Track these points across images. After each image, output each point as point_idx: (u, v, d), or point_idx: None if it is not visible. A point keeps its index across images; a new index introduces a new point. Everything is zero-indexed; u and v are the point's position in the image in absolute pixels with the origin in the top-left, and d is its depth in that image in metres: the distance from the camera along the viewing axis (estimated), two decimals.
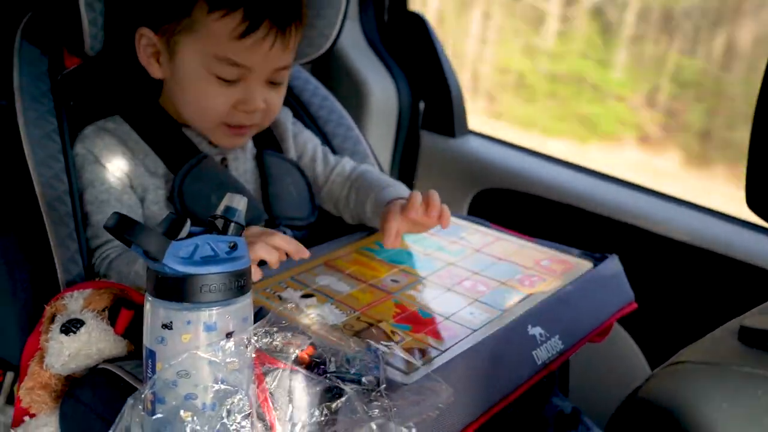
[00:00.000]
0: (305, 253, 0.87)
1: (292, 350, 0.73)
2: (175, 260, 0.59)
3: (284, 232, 1.04)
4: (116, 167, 0.97)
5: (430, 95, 1.56)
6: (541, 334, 0.83)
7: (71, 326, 0.76)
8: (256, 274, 0.87)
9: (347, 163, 1.16)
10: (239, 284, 0.62)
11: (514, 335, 0.82)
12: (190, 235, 0.62)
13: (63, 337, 0.76)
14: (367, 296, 0.91)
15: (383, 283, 0.95)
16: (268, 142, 1.12)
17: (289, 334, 0.75)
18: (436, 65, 1.52)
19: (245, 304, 0.63)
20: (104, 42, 1.00)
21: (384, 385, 0.64)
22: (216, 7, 0.90)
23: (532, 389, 0.80)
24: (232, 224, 0.63)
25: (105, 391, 0.73)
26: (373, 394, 0.62)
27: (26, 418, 0.82)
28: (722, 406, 0.41)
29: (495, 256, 1.03)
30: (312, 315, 0.86)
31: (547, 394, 0.93)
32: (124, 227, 0.58)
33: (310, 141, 1.18)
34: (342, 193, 1.13)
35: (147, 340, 0.62)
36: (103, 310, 0.80)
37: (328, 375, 0.63)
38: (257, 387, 0.66)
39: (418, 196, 0.95)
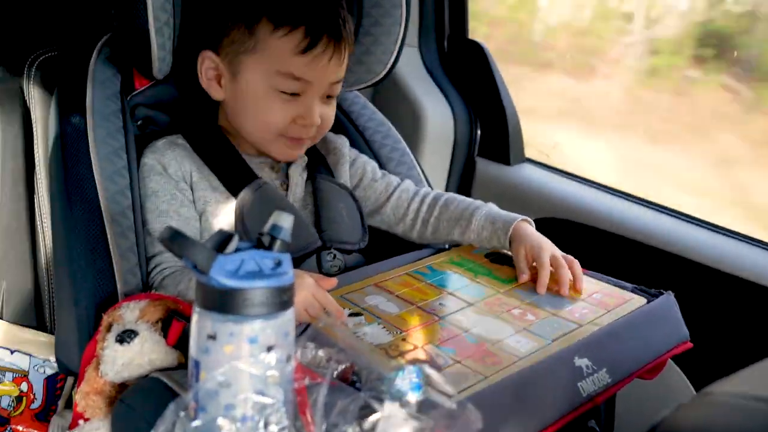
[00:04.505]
0: (343, 317, 0.89)
1: (333, 366, 0.74)
2: (221, 273, 0.61)
3: (335, 255, 1.06)
4: (181, 179, 1.02)
5: (487, 123, 1.56)
6: (587, 366, 0.82)
7: (125, 336, 0.79)
8: (330, 282, 0.90)
9: (410, 183, 1.19)
10: (282, 300, 0.63)
11: (559, 365, 0.81)
12: (238, 250, 0.64)
13: (117, 346, 0.79)
14: (415, 318, 0.91)
15: (431, 306, 0.95)
16: (321, 167, 1.14)
17: (331, 351, 0.76)
18: (493, 92, 1.52)
19: (287, 320, 0.65)
20: (172, 65, 1.05)
21: (417, 408, 0.64)
22: (280, 25, 0.97)
23: None
24: (278, 241, 0.65)
25: (154, 399, 0.76)
26: (408, 414, 0.61)
27: (81, 421, 0.85)
28: None
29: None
30: (358, 333, 0.87)
31: None
32: (175, 240, 0.60)
33: (369, 163, 1.20)
34: (411, 209, 1.15)
35: (193, 350, 0.64)
36: (157, 322, 0.83)
37: (365, 393, 0.63)
38: (298, 399, 0.67)
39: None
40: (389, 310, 0.93)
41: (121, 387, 0.84)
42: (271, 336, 0.63)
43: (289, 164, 1.11)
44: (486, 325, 0.90)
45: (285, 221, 0.66)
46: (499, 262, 1.10)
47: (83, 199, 0.93)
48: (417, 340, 0.85)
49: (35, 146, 1.10)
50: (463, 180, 1.57)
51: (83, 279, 0.90)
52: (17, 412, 1.09)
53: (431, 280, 1.03)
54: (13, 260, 1.10)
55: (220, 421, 0.60)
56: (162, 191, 1.00)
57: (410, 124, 1.52)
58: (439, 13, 1.58)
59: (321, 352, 0.76)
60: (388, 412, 0.60)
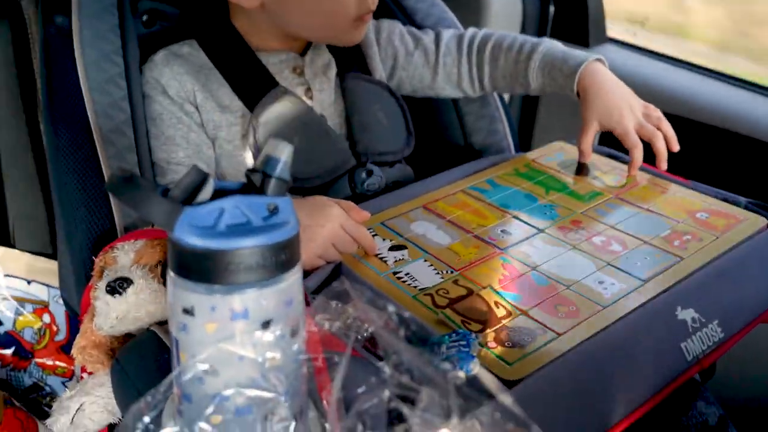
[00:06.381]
0: (375, 251, 0.74)
1: (355, 331, 0.58)
2: (190, 231, 0.45)
3: (371, 172, 0.88)
4: (185, 100, 0.85)
5: None
6: (694, 320, 0.63)
7: (117, 286, 0.66)
8: (362, 216, 0.74)
9: (445, 37, 0.98)
10: (280, 260, 0.48)
11: (657, 320, 0.63)
12: (218, 195, 0.47)
13: (109, 297, 0.66)
14: (470, 251, 0.75)
15: (491, 234, 0.77)
16: (353, 61, 0.94)
17: (360, 306, 0.61)
18: None
19: (289, 284, 0.49)
20: None
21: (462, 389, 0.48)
22: None
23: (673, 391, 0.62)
24: (272, 180, 0.48)
25: (151, 361, 0.63)
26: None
27: (84, 375, 0.75)
28: None
29: (636, 203, 0.82)
30: (399, 273, 0.71)
31: (691, 396, 0.73)
32: (124, 190, 0.45)
33: (394, 34, 0.98)
34: (462, 72, 0.98)
35: (171, 326, 0.50)
36: (156, 266, 0.70)
37: (392, 384, 0.48)
38: (317, 380, 0.53)
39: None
40: (439, 241, 0.76)
41: (125, 337, 0.72)
42: (267, 308, 0.48)
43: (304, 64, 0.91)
44: (560, 260, 0.72)
45: (282, 152, 0.49)
46: (578, 172, 0.90)
47: (69, 115, 0.78)
48: (472, 282, 0.69)
49: (32, 52, 0.95)
50: None
51: (75, 212, 0.77)
52: (41, 345, 1.01)
53: (492, 198, 0.85)
54: (19, 183, 0.99)
55: (203, 425, 0.46)
56: (166, 114, 0.84)
57: (471, 2, 1.28)
58: None
59: (350, 310, 0.60)
60: (421, 413, 0.45)
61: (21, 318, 1.00)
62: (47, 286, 1.00)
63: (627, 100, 0.88)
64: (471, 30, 0.99)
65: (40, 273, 0.99)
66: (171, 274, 0.48)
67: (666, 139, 0.87)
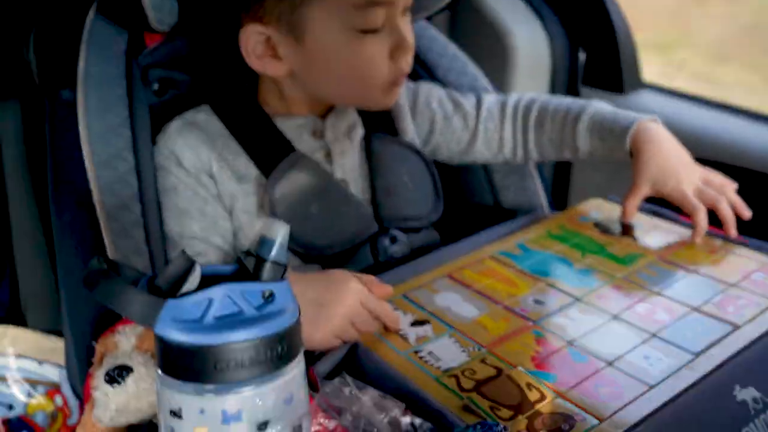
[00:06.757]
0: (398, 327, 0.69)
1: (381, 418, 0.52)
2: (173, 326, 0.40)
3: (395, 238, 0.83)
4: (201, 170, 0.81)
5: (592, 43, 1.24)
6: (755, 400, 0.56)
7: (116, 375, 0.61)
8: (385, 291, 0.69)
9: (487, 101, 0.94)
10: (276, 353, 0.42)
11: (713, 402, 0.55)
12: (213, 280, 0.43)
13: (107, 387, 0.61)
14: (500, 325, 0.68)
15: (523, 305, 0.71)
16: (381, 123, 0.90)
17: (377, 396, 0.55)
18: (598, 6, 1.20)
19: (289, 379, 0.44)
20: (185, 17, 0.83)
21: None
22: None
23: None
24: (267, 264, 0.43)
25: None
26: None
27: None
28: None
29: (683, 265, 0.75)
30: (421, 352, 0.65)
31: None
32: (98, 284, 0.40)
33: (433, 97, 0.94)
34: (505, 138, 0.93)
35: (160, 428, 0.44)
36: None
37: None
38: None
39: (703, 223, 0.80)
40: (465, 314, 0.70)
41: (129, 429, 0.67)
42: (264, 408, 0.43)
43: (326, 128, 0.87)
44: (599, 333, 0.66)
45: (277, 233, 0.44)
46: (617, 231, 0.84)
47: (72, 191, 0.75)
48: (502, 360, 0.62)
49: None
50: None
51: (78, 293, 0.73)
52: (53, 429, 0.96)
53: (523, 265, 0.78)
54: (31, 261, 0.96)
55: None
56: (181, 186, 0.80)
57: (496, 54, 1.24)
58: None
59: (365, 398, 0.54)
60: None
61: (33, 401, 0.95)
62: (59, 366, 0.96)
63: (685, 164, 0.82)
64: (515, 95, 0.95)
65: (52, 353, 0.95)
66: (158, 372, 0.43)
67: (732, 206, 0.80)
